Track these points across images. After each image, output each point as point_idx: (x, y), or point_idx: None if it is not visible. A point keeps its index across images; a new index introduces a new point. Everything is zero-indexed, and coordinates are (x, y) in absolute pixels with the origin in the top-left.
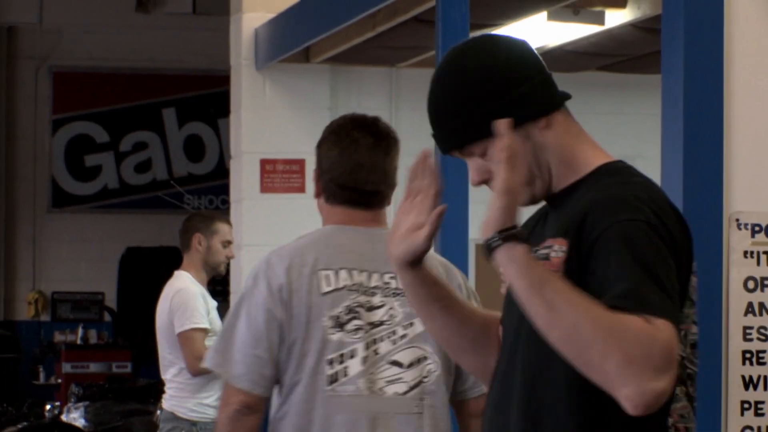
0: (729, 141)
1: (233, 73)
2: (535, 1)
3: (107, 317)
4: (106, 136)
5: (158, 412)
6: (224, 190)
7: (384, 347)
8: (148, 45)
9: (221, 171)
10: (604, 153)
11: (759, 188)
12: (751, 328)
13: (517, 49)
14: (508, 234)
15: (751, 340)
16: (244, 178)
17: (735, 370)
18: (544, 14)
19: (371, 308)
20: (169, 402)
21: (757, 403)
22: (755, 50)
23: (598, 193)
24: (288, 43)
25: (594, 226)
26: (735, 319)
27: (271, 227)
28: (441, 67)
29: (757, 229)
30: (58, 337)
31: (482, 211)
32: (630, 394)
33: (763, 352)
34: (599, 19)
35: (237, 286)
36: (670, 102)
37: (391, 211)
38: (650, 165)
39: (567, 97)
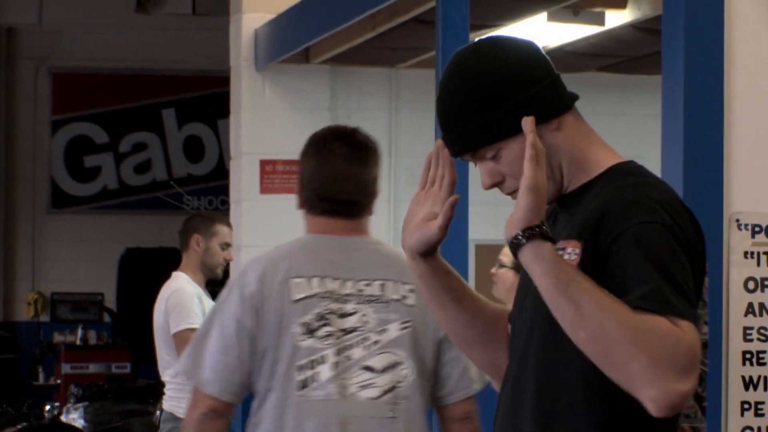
0: (729, 141)
1: (233, 73)
2: (535, 1)
3: (107, 318)
4: (106, 136)
5: (158, 412)
6: (224, 190)
7: (357, 353)
8: (148, 46)
9: (221, 172)
10: (614, 153)
11: (759, 189)
12: (751, 328)
13: (526, 50)
14: (533, 232)
15: (751, 340)
16: (243, 178)
17: (735, 370)
18: (544, 15)
19: (344, 315)
20: (168, 402)
21: (757, 403)
22: (755, 51)
23: (612, 195)
24: (288, 44)
25: (610, 229)
26: (735, 319)
27: (270, 228)
28: (450, 70)
29: (757, 229)
30: (58, 337)
31: (482, 212)
32: (655, 395)
33: (764, 352)
34: (599, 20)
35: None
36: (670, 102)
37: (374, 221)
38: (650, 166)
39: (576, 97)
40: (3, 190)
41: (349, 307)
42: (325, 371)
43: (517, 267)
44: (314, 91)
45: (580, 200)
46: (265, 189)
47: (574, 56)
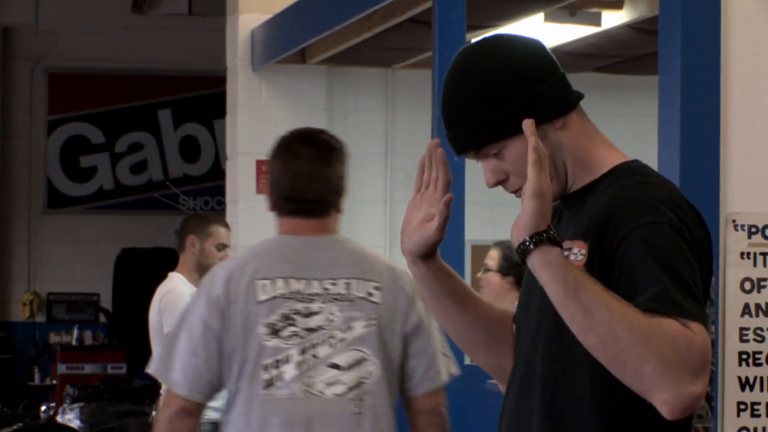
0: (726, 142)
1: (229, 74)
2: (531, 2)
3: (102, 318)
4: (102, 137)
5: (154, 413)
6: (220, 191)
7: (323, 351)
8: (144, 46)
9: (217, 172)
10: (619, 152)
11: (756, 189)
12: (747, 329)
13: (531, 49)
14: (541, 237)
15: (747, 341)
16: (239, 179)
17: (731, 371)
18: (540, 15)
19: (309, 314)
20: None
21: (753, 404)
22: (752, 51)
23: (617, 195)
24: (284, 44)
25: (616, 230)
26: (731, 320)
27: (266, 228)
28: (454, 68)
29: (753, 230)
30: (54, 338)
31: (477, 213)
32: (668, 398)
33: (760, 353)
34: (596, 21)
35: None
36: (667, 103)
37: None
38: None
39: (581, 96)
40: None
41: (314, 306)
42: (289, 370)
43: (503, 270)
44: (311, 91)
45: (584, 199)
46: (261, 189)
47: (571, 57)
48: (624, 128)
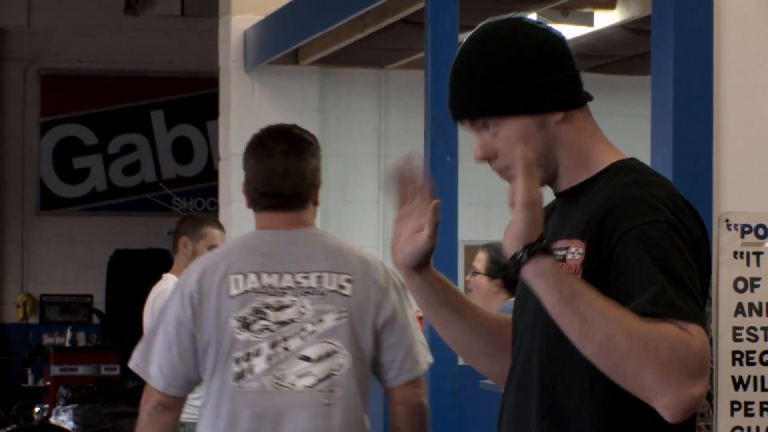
0: (719, 142)
1: (222, 75)
2: (524, 2)
3: (96, 319)
4: (95, 138)
5: None
6: (213, 192)
7: (294, 344)
8: (137, 47)
9: (210, 173)
10: (617, 151)
11: (749, 189)
12: (740, 328)
13: (556, 38)
14: (533, 249)
15: (740, 340)
16: (233, 180)
17: (725, 370)
18: (533, 16)
19: (281, 308)
20: None
21: (747, 403)
22: (745, 51)
23: (615, 193)
24: (277, 45)
25: (613, 229)
26: (725, 319)
27: None
28: (477, 35)
29: (746, 229)
30: (47, 339)
31: (471, 213)
32: (669, 402)
33: (753, 352)
34: (588, 21)
35: None
36: (659, 103)
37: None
38: None
39: (590, 98)
40: None
41: (286, 299)
42: (260, 363)
43: (491, 273)
44: (303, 92)
45: (580, 197)
46: None
47: None
48: (617, 129)
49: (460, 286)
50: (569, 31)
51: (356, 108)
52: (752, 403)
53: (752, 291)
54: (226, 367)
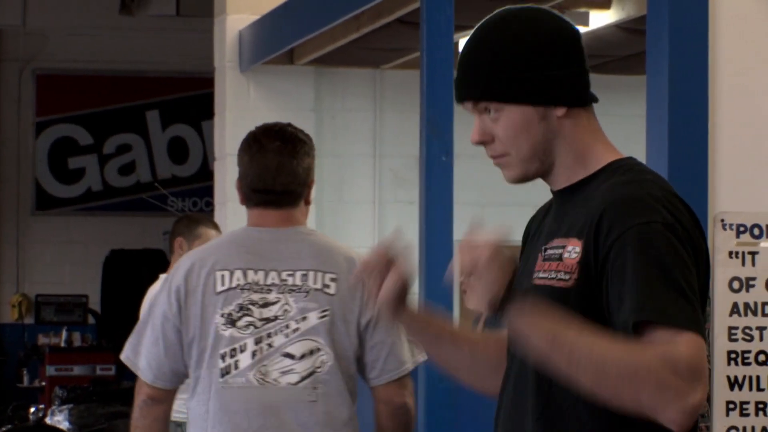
0: (714, 142)
1: (217, 75)
2: (519, 2)
3: (91, 320)
4: (90, 138)
5: None
6: (208, 192)
7: (278, 340)
8: (132, 47)
9: (205, 173)
10: (615, 150)
11: (744, 189)
12: (736, 328)
13: (571, 33)
14: (500, 315)
15: (736, 340)
16: (228, 180)
17: (720, 370)
18: None
19: (266, 305)
20: None
21: (742, 403)
22: (740, 51)
23: (612, 192)
24: (272, 45)
25: (610, 230)
26: (720, 319)
27: None
28: (494, 19)
29: (742, 229)
30: (42, 339)
31: (467, 212)
32: (672, 417)
33: (748, 352)
34: (583, 21)
35: None
36: (654, 103)
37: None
38: None
39: (595, 99)
40: None
41: (271, 296)
42: (244, 359)
43: None
44: (299, 92)
45: (577, 195)
46: None
47: None
48: (612, 128)
49: (456, 285)
50: None
51: (351, 108)
52: (747, 403)
53: (747, 291)
54: (212, 362)
